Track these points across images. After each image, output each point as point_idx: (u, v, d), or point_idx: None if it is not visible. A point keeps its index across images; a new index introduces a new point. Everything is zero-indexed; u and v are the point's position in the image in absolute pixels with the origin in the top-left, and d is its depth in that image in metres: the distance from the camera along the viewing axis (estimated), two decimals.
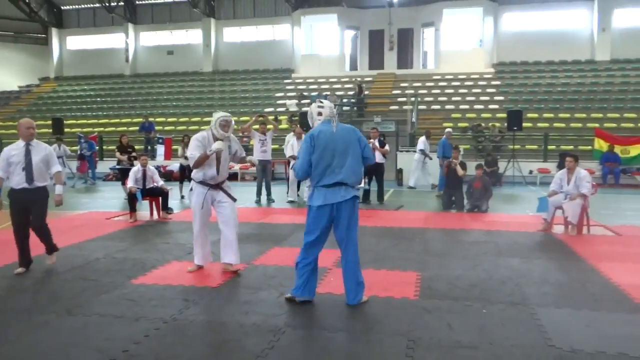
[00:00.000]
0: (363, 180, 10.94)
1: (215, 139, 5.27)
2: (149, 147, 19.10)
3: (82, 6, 30.39)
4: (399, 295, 4.72)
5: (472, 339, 3.70)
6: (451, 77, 24.14)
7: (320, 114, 4.43)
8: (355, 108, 21.10)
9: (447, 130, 13.89)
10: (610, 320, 4.15)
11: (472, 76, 24.07)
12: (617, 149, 15.94)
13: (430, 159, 14.08)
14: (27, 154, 5.35)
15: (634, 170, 16.02)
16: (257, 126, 11.66)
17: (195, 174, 5.35)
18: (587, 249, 6.74)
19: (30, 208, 5.44)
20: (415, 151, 14.74)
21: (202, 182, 5.35)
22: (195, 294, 4.74)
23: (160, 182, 9.57)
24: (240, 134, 19.60)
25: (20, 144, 5.41)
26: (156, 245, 6.92)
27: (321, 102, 4.57)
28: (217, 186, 5.38)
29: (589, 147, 17.02)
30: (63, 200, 5.78)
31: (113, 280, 5.18)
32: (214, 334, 3.80)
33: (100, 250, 6.60)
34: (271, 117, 17.78)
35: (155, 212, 9.49)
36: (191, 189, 5.47)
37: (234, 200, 5.53)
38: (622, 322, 4.10)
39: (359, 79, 23.55)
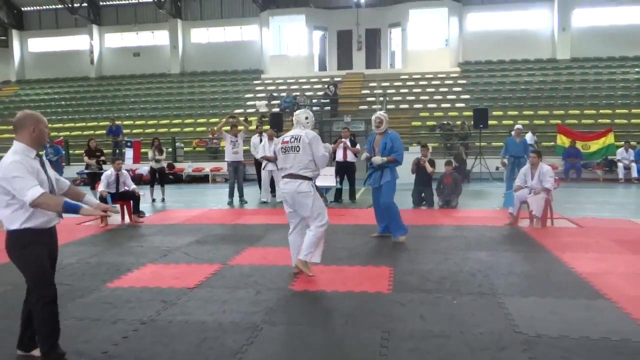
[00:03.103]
0: (335, 180, 11.09)
1: None
2: (117, 151, 18.83)
3: (44, 7, 29.69)
4: (372, 289, 4.85)
5: (443, 328, 3.86)
6: (418, 76, 24.54)
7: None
8: (325, 108, 21.24)
9: (517, 127, 12.40)
10: (573, 306, 4.37)
11: (439, 75, 24.53)
12: (579, 145, 16.52)
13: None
14: (45, 169, 3.31)
15: (595, 165, 16.64)
16: (227, 127, 11.67)
17: (314, 172, 5.25)
18: (551, 240, 7.02)
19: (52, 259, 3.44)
20: None
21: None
22: (173, 295, 4.77)
23: (132, 186, 9.52)
24: (211, 136, 19.59)
25: (29, 152, 3.21)
26: (130, 249, 6.90)
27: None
28: None
29: (552, 142, 17.59)
30: None
31: (88, 285, 5.17)
32: (192, 333, 3.85)
33: (72, 255, 6.54)
34: (241, 119, 17.78)
35: (127, 216, 9.42)
36: (315, 186, 5.27)
37: None
38: (583, 307, 4.33)
39: (335, 78, 23.68)
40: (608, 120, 19.12)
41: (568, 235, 7.51)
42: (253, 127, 14.14)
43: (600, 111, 20.15)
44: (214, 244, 7.07)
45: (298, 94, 22.02)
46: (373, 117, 6.88)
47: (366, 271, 5.54)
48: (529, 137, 14.32)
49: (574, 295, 4.65)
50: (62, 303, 4.55)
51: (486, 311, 4.24)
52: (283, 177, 5.33)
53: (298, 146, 5.17)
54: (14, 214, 3.16)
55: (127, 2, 28.99)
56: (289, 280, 5.20)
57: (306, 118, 5.38)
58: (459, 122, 19.53)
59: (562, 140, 16.82)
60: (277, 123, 16.07)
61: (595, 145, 16.61)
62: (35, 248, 3.21)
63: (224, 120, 12.34)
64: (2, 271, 5.86)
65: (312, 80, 25.42)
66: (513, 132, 12.51)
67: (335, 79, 24.26)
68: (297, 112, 5.52)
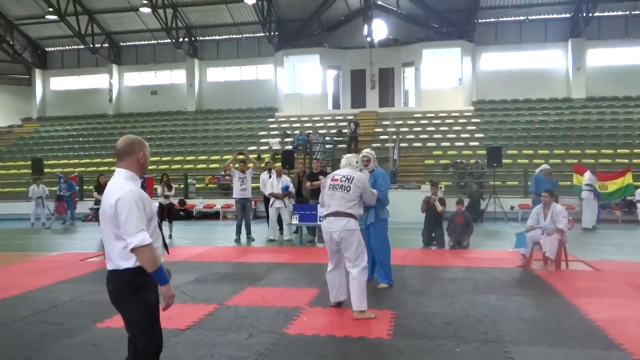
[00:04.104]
0: None
1: None
2: None
3: (67, 47, 30.58)
4: (371, 334, 4.60)
5: None
6: (432, 115, 24.49)
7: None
8: (338, 146, 21.27)
9: (544, 166, 13.02)
10: (585, 357, 4.08)
11: (453, 114, 24.45)
12: (596, 185, 16.09)
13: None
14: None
15: (613, 206, 16.18)
16: (237, 165, 11.63)
17: (358, 212, 5.40)
18: (565, 284, 6.70)
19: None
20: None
21: None
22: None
23: None
24: (223, 172, 19.62)
25: (137, 181, 2.97)
26: None
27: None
28: None
29: (568, 182, 17.21)
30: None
31: (78, 324, 5.00)
32: None
33: (69, 292, 6.41)
34: (254, 156, 17.79)
35: None
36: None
37: None
38: (596, 358, 4.03)
39: (348, 117, 23.79)
40: (626, 160, 18.75)
41: (583, 279, 7.18)
42: (263, 164, 14.08)
43: (618, 151, 19.81)
44: (214, 282, 6.89)
45: (311, 131, 22.08)
46: (360, 156, 6.55)
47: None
48: (587, 176, 13.95)
49: (587, 344, 4.35)
50: (48, 344, 4.44)
51: None
52: (327, 215, 5.36)
53: (349, 186, 5.32)
54: (126, 250, 2.78)
55: (146, 42, 29.70)
56: (284, 322, 4.98)
57: (357, 162, 5.79)
58: (472, 161, 19.33)
59: (579, 180, 16.39)
60: (288, 160, 16.04)
61: (613, 186, 16.16)
62: (145, 293, 2.84)
63: (233, 156, 12.26)
64: None
65: (325, 118, 25.55)
66: (538, 170, 12.73)
67: (348, 117, 24.38)
68: (349, 155, 5.85)
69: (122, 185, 2.85)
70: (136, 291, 2.81)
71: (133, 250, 2.74)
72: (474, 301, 5.79)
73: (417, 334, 4.62)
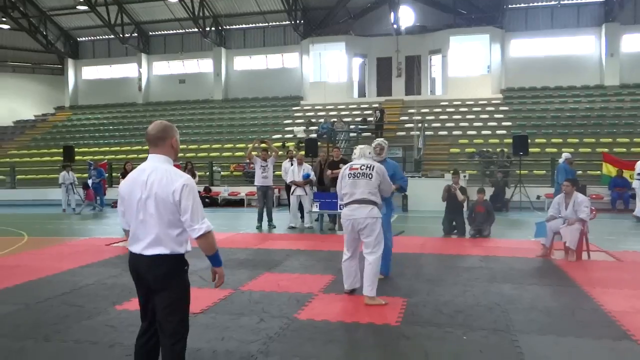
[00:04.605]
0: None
1: None
2: None
3: (98, 38, 31.21)
4: (380, 321, 4.65)
5: None
6: (459, 103, 24.17)
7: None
8: (362, 134, 21.24)
9: (567, 155, 13.43)
10: (593, 347, 4.05)
11: (480, 102, 24.09)
12: (626, 174, 15.67)
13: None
14: None
15: None
16: (257, 152, 11.73)
17: (379, 199, 5.45)
18: (584, 274, 6.60)
19: None
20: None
21: None
22: None
23: None
24: (247, 160, 19.80)
25: (172, 163, 3.02)
26: None
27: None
28: None
29: (598, 172, 16.83)
30: None
31: (97, 306, 5.19)
32: None
33: (92, 276, 6.63)
34: (278, 144, 17.91)
35: None
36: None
37: None
38: (606, 349, 4.00)
39: (373, 105, 23.70)
40: None
41: (603, 269, 7.06)
42: (282, 152, 14.15)
43: None
44: (231, 268, 7.02)
45: (335, 120, 22.09)
46: (373, 144, 6.56)
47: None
48: (639, 165, 13.63)
49: (597, 334, 4.31)
50: (68, 325, 4.62)
51: (496, 349, 3.97)
52: (349, 203, 5.37)
53: (371, 174, 5.36)
54: (181, 237, 2.89)
55: (174, 32, 30.10)
56: (296, 308, 5.06)
57: (369, 152, 5.76)
58: (498, 150, 19.05)
59: (608, 169, 16.04)
60: (312, 149, 16.09)
61: None
62: (187, 278, 2.98)
63: (254, 144, 12.31)
64: (15, 291, 6.00)
65: (350, 106, 25.49)
66: (561, 160, 12.84)
67: (374, 105, 24.25)
68: (362, 146, 5.82)
69: (175, 171, 2.88)
70: (184, 274, 2.95)
71: (201, 236, 2.81)
72: (487, 290, 5.77)
73: (426, 322, 4.65)
